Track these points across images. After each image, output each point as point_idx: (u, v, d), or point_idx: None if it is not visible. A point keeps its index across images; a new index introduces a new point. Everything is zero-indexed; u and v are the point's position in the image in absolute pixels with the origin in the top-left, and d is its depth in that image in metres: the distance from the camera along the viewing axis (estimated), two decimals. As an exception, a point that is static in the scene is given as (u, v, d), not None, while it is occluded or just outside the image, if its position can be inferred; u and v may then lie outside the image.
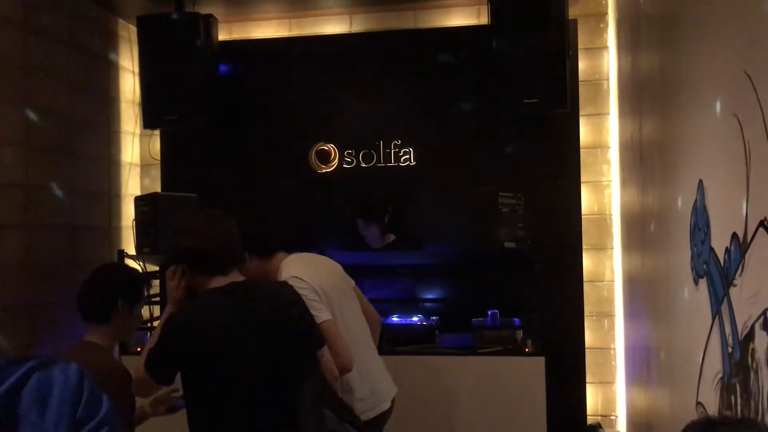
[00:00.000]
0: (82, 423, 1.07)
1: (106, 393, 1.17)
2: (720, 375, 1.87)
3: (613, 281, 4.29)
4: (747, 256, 1.65)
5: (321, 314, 2.50)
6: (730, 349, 1.78)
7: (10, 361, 1.05)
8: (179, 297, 2.27)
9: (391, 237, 4.11)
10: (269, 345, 2.17)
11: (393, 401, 2.82)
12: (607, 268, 4.32)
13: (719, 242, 1.87)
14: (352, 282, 2.91)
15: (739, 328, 1.71)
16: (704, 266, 2.02)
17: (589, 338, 4.32)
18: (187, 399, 2.18)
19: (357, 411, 2.58)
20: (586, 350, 4.31)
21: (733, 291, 1.76)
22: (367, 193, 4.24)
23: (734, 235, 1.73)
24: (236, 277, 2.25)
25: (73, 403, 1.07)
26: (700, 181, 2.06)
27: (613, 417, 4.29)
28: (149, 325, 3.75)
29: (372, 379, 2.72)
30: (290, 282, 2.51)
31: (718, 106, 1.89)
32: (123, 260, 3.91)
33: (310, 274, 2.62)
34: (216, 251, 2.20)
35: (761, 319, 1.55)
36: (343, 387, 2.57)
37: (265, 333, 2.18)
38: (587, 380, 4.30)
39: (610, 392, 4.30)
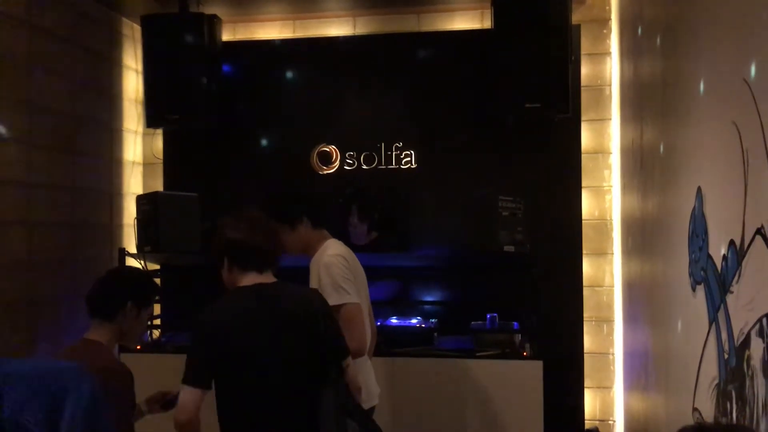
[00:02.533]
0: None
1: (107, 391, 1.16)
2: (716, 381, 1.88)
3: (612, 286, 4.30)
4: (744, 263, 1.66)
5: (353, 296, 2.61)
6: (726, 356, 1.79)
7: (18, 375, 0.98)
8: None
9: (374, 234, 4.10)
10: (291, 348, 2.19)
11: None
12: (606, 273, 4.33)
13: (717, 249, 1.88)
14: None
15: (735, 335, 1.72)
16: (702, 273, 2.03)
17: (588, 343, 4.33)
18: (217, 399, 2.20)
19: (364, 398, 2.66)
20: (585, 355, 4.31)
21: (729, 298, 1.77)
22: (363, 191, 4.22)
23: (731, 243, 1.74)
24: (269, 278, 2.29)
25: (85, 419, 1.00)
26: (699, 188, 2.07)
27: (611, 422, 4.29)
28: (150, 323, 3.76)
29: (367, 376, 2.78)
30: (334, 259, 2.63)
31: (717, 114, 1.90)
32: (124, 258, 3.93)
33: (351, 258, 2.76)
34: (259, 247, 2.27)
35: (757, 326, 1.56)
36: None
37: (288, 335, 2.20)
38: (585, 385, 4.31)
39: (609, 397, 4.31)
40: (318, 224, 2.83)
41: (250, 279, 2.25)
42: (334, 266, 2.62)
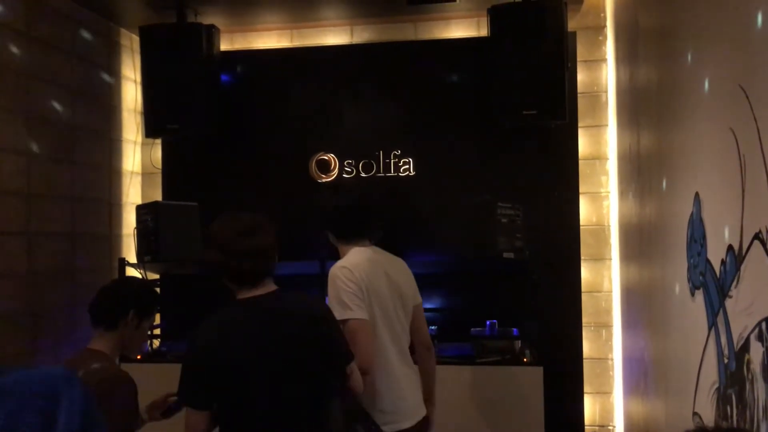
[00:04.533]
0: None
1: (111, 400, 1.16)
2: (716, 385, 1.89)
3: (611, 292, 4.31)
4: (742, 267, 1.67)
5: (356, 311, 2.47)
6: (726, 360, 1.80)
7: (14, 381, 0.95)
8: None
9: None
10: (291, 358, 2.15)
11: (422, 424, 2.71)
12: (605, 278, 4.35)
13: (715, 254, 1.89)
14: (417, 300, 2.81)
15: (735, 339, 1.73)
16: (701, 278, 2.04)
17: (587, 348, 4.34)
18: (218, 417, 2.16)
19: (379, 422, 2.53)
20: (584, 360, 4.32)
21: (728, 302, 1.78)
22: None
23: (730, 247, 1.76)
24: (268, 286, 2.23)
25: (80, 424, 0.96)
26: (697, 194, 2.09)
27: (610, 427, 4.30)
28: (150, 333, 3.76)
29: (398, 396, 2.61)
30: (338, 271, 2.52)
31: (714, 119, 1.91)
32: (124, 269, 3.94)
33: (363, 269, 2.56)
34: (243, 266, 2.17)
35: (756, 330, 1.57)
36: (367, 393, 2.52)
37: (287, 346, 2.15)
38: (585, 390, 4.32)
39: (608, 402, 4.31)
40: (341, 236, 2.72)
41: (245, 292, 2.21)
42: (337, 279, 2.53)
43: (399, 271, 2.75)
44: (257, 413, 2.12)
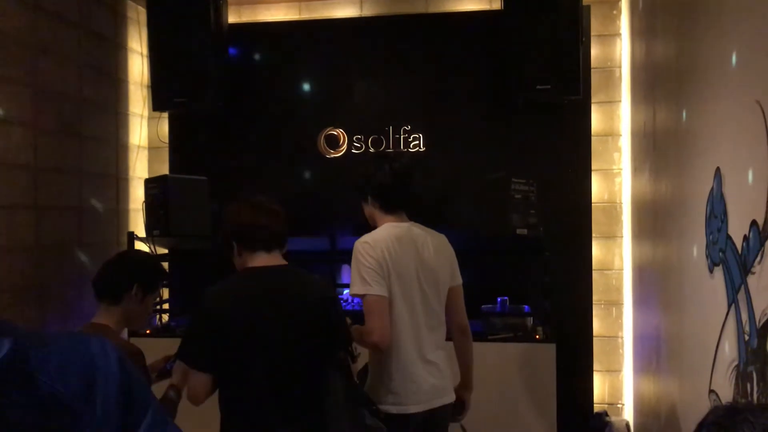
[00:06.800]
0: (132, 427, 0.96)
1: None
2: (735, 363, 1.86)
3: (622, 270, 4.28)
4: (767, 243, 1.63)
5: (374, 287, 2.44)
6: (746, 337, 1.77)
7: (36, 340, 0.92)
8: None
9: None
10: (294, 331, 2.18)
11: (442, 409, 2.61)
12: (616, 256, 4.31)
13: (737, 230, 1.85)
14: (455, 282, 2.70)
15: (757, 316, 1.69)
16: (720, 254, 2.01)
17: (596, 326, 4.32)
18: (219, 381, 2.19)
19: (385, 401, 2.50)
20: (594, 338, 4.30)
21: (751, 279, 1.74)
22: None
23: (753, 223, 1.72)
24: (278, 259, 2.29)
25: (118, 401, 0.94)
26: (718, 169, 2.04)
27: (619, 405, 4.29)
28: (159, 308, 3.75)
29: (409, 378, 2.52)
30: (359, 246, 2.51)
31: (739, 93, 1.86)
32: (133, 243, 3.92)
33: (386, 245, 2.51)
34: (264, 226, 2.27)
35: (781, 307, 1.54)
36: (379, 373, 2.53)
37: (291, 319, 2.19)
38: (594, 368, 4.30)
39: (617, 381, 4.30)
40: (384, 205, 2.63)
41: (258, 260, 2.26)
42: (358, 253, 2.51)
43: (437, 250, 2.65)
44: (253, 382, 2.15)
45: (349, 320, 2.53)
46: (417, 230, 2.65)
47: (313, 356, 2.22)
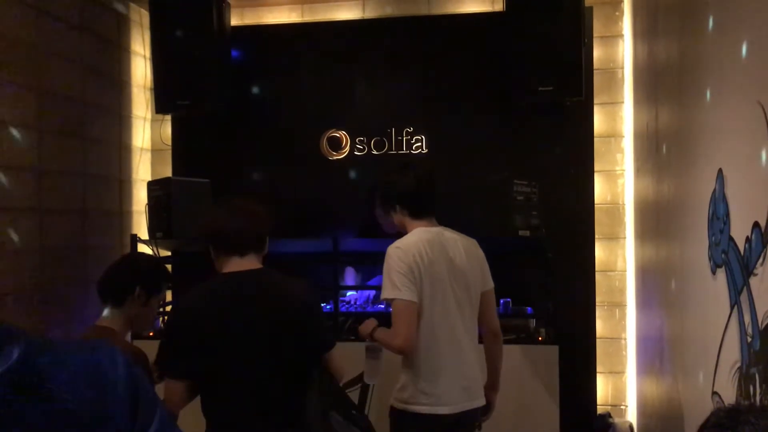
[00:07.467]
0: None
1: None
2: (738, 365, 1.86)
3: (624, 271, 4.27)
4: (769, 245, 1.63)
5: (403, 292, 2.46)
6: (749, 339, 1.77)
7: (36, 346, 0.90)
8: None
9: None
10: (267, 336, 2.16)
11: (470, 413, 2.63)
12: (619, 257, 4.31)
13: (739, 231, 1.85)
14: (486, 286, 2.73)
15: (760, 318, 1.69)
16: (722, 256, 2.00)
17: (599, 328, 4.31)
18: (200, 389, 2.19)
19: (418, 402, 2.51)
20: (597, 340, 4.30)
21: (753, 280, 1.74)
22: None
23: (756, 224, 1.71)
24: (253, 263, 2.26)
25: (127, 409, 0.94)
26: (720, 170, 2.04)
27: (623, 407, 4.28)
28: (162, 309, 3.75)
29: (439, 381, 2.54)
30: (392, 251, 2.52)
31: (740, 94, 1.86)
32: (136, 245, 3.92)
33: (418, 250, 2.52)
34: (236, 229, 2.25)
35: (783, 309, 1.54)
36: (411, 374, 2.53)
37: (265, 323, 2.17)
38: (597, 370, 4.29)
39: (621, 382, 4.29)
40: (414, 212, 2.65)
41: (232, 265, 2.24)
42: (389, 258, 2.52)
43: (468, 253, 2.66)
44: (230, 387, 2.15)
45: (375, 322, 2.54)
46: (448, 234, 2.66)
47: (287, 361, 2.19)
